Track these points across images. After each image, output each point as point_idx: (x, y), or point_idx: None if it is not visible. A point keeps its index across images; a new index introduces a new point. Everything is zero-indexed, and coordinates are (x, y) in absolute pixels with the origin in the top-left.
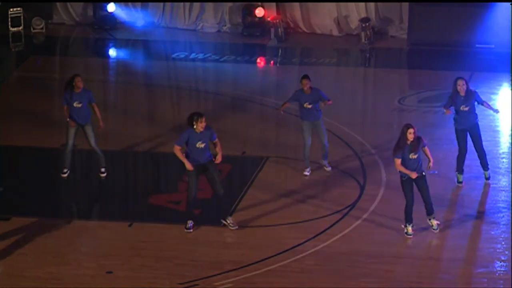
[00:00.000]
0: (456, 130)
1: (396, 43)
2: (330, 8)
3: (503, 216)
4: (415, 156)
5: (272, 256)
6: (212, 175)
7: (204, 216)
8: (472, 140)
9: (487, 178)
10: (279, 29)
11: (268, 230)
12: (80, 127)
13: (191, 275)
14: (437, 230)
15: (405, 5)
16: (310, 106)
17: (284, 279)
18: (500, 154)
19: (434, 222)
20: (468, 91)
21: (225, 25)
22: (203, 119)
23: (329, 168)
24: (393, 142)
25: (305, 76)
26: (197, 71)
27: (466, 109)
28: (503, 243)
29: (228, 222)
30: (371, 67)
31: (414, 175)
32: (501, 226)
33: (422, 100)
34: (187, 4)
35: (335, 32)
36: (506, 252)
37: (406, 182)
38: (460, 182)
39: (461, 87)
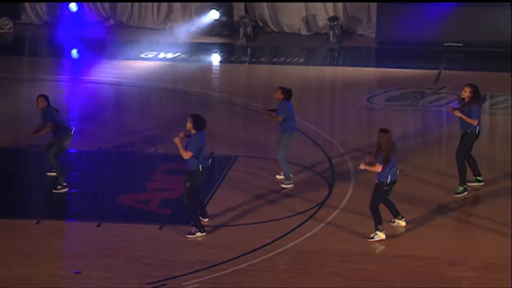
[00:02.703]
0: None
1: (364, 42)
2: (298, 8)
3: (471, 215)
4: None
5: (241, 256)
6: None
7: (174, 216)
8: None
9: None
10: (248, 29)
11: (237, 230)
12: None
13: (159, 275)
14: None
15: (373, 4)
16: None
17: (253, 279)
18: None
19: (402, 222)
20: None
21: (194, 25)
22: None
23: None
24: (362, 140)
25: (278, 87)
26: (166, 70)
27: None
28: (472, 241)
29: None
30: (339, 66)
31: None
32: (470, 225)
33: (390, 98)
34: (155, 3)
35: (304, 31)
36: (472, 250)
37: (385, 190)
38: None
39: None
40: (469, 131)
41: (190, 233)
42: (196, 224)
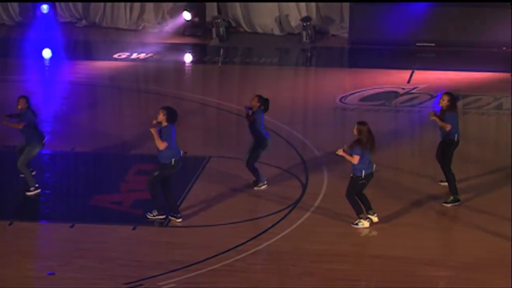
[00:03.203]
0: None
1: (337, 42)
2: (271, 8)
3: (447, 214)
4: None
5: (215, 256)
6: None
7: (146, 216)
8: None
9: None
10: (221, 29)
11: (211, 230)
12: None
13: (134, 276)
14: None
15: (346, 4)
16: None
17: (227, 279)
18: None
19: (375, 218)
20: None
21: (167, 25)
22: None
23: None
24: (335, 140)
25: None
26: (139, 71)
27: None
28: (448, 240)
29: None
30: (312, 66)
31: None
32: (443, 223)
33: (363, 98)
34: (128, 3)
35: (277, 32)
36: (447, 250)
37: (362, 184)
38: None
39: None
40: (447, 138)
41: (150, 213)
42: (157, 207)
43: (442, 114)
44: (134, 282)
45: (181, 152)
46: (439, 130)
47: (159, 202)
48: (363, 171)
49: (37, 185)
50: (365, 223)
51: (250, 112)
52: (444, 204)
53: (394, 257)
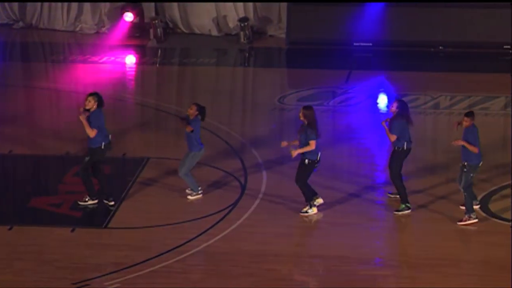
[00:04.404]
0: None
1: (275, 43)
2: (208, 8)
3: (381, 213)
4: None
5: (155, 257)
6: None
7: (85, 218)
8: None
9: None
10: (158, 30)
11: (150, 231)
12: None
13: (73, 278)
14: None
15: (283, 4)
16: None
17: (166, 280)
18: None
19: (320, 200)
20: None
21: (104, 26)
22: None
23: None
24: (274, 140)
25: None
26: (77, 72)
27: None
28: (382, 239)
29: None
30: (250, 66)
31: None
32: (381, 223)
33: (302, 98)
34: (65, 5)
35: (214, 32)
36: (386, 249)
37: (316, 167)
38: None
39: None
40: (396, 148)
41: (82, 201)
42: (90, 193)
43: (390, 122)
44: (73, 284)
45: (109, 136)
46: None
47: (92, 188)
48: (319, 154)
49: None
50: (314, 209)
51: (185, 122)
52: (396, 213)
53: (333, 257)
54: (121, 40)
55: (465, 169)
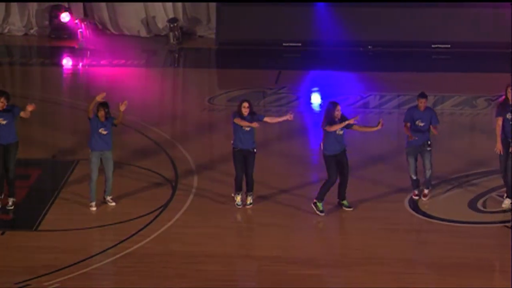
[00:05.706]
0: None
1: (205, 43)
2: (137, 9)
3: (314, 214)
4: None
5: (86, 259)
6: None
7: (15, 221)
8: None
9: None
10: (87, 31)
11: (80, 233)
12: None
13: (3, 281)
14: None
15: (212, 5)
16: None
17: (98, 282)
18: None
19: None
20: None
21: (32, 28)
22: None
23: (113, 204)
24: (204, 141)
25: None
26: (4, 74)
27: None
28: (315, 239)
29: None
30: (180, 67)
31: None
32: (316, 224)
33: (231, 99)
34: None
35: (143, 33)
36: (316, 249)
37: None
38: None
39: None
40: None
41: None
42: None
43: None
44: None
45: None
46: None
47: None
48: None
49: None
50: (237, 198)
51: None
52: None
53: (264, 257)
54: (49, 41)
55: (428, 148)
